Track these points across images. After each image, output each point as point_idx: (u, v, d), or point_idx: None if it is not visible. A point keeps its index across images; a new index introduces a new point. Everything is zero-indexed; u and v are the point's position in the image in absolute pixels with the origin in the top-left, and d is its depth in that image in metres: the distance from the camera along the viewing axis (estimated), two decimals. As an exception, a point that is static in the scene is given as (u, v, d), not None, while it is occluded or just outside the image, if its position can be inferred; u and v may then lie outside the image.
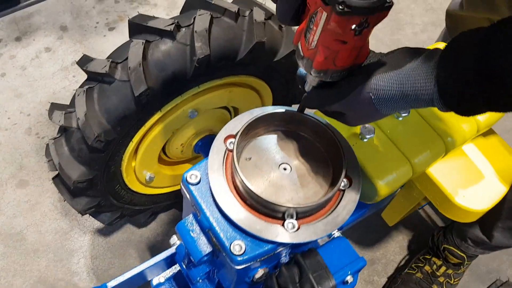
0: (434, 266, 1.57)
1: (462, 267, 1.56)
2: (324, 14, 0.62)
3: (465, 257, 1.52)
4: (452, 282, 1.56)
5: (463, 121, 0.99)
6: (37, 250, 1.63)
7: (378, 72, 0.70)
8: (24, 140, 1.84)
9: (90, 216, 1.43)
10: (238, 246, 0.77)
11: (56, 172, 1.22)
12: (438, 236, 1.58)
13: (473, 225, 1.43)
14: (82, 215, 1.33)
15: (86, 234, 1.67)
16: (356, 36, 0.63)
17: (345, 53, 0.67)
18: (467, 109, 0.63)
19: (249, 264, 0.78)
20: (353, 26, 0.61)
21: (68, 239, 1.66)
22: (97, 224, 1.68)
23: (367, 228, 1.72)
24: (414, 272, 1.58)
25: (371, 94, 0.71)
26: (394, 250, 1.72)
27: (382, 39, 2.30)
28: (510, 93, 0.57)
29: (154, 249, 1.66)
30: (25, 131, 1.86)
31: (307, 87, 0.79)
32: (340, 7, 0.58)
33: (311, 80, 0.77)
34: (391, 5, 0.61)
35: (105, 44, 2.12)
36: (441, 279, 1.56)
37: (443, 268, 1.56)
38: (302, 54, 0.71)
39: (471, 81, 0.59)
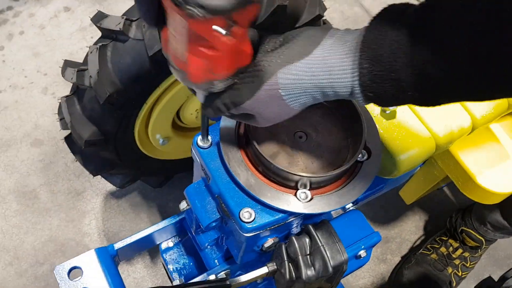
0: (451, 248, 1.53)
1: (479, 250, 1.51)
2: (182, 19, 0.52)
3: (483, 241, 1.47)
4: (468, 265, 1.52)
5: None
6: (49, 209, 1.63)
7: (284, 62, 0.58)
8: (40, 100, 1.82)
9: (103, 178, 1.42)
10: (247, 213, 0.74)
11: (68, 132, 1.21)
12: (457, 218, 1.53)
13: (494, 209, 1.38)
14: (94, 176, 1.32)
15: (99, 196, 1.66)
16: (225, 37, 0.53)
17: (221, 60, 0.57)
18: (393, 104, 0.56)
19: (258, 232, 0.75)
20: (217, 28, 0.52)
21: (80, 200, 1.65)
22: (110, 186, 1.67)
23: (383, 206, 1.68)
24: (429, 253, 1.54)
25: (280, 90, 0.59)
26: (410, 229, 1.68)
27: (368, 10, 2.16)
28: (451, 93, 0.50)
29: (165, 215, 1.65)
30: (41, 91, 1.84)
31: (200, 97, 0.66)
32: (200, 10, 0.49)
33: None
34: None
35: (125, 6, 2.06)
36: (457, 262, 1.52)
37: (459, 251, 1.52)
38: (174, 66, 0.60)
39: (403, 79, 0.50)
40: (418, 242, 1.66)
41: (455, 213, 1.56)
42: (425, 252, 1.55)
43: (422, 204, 1.71)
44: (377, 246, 1.64)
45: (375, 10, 0.54)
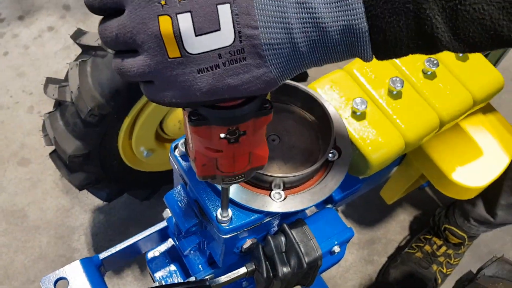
0: (435, 246, 1.56)
1: (462, 247, 1.54)
2: (186, 118, 0.50)
3: (466, 237, 1.51)
4: (452, 262, 1.55)
5: (457, 95, 0.97)
6: (38, 227, 1.65)
7: None
8: (26, 119, 1.85)
9: (91, 194, 1.44)
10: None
11: (53, 148, 1.23)
12: (439, 216, 1.57)
13: (477, 204, 1.41)
14: (80, 190, 1.34)
15: (87, 212, 1.68)
16: (232, 144, 0.51)
17: (226, 161, 0.54)
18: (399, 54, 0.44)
19: (235, 233, 0.78)
20: (222, 135, 0.49)
21: (69, 216, 1.67)
22: (98, 202, 1.69)
23: (368, 207, 1.71)
24: (414, 251, 1.57)
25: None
26: (395, 229, 1.71)
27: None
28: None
29: (154, 227, 1.66)
30: (27, 110, 1.87)
31: None
32: (193, 117, 0.48)
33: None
34: (270, 109, 0.49)
35: (107, 24, 2.11)
36: (441, 259, 1.55)
37: (443, 248, 1.55)
38: (188, 153, 0.59)
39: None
40: (403, 242, 1.69)
41: (438, 211, 1.60)
42: (410, 251, 1.58)
43: (406, 204, 1.75)
44: (363, 248, 1.66)
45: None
